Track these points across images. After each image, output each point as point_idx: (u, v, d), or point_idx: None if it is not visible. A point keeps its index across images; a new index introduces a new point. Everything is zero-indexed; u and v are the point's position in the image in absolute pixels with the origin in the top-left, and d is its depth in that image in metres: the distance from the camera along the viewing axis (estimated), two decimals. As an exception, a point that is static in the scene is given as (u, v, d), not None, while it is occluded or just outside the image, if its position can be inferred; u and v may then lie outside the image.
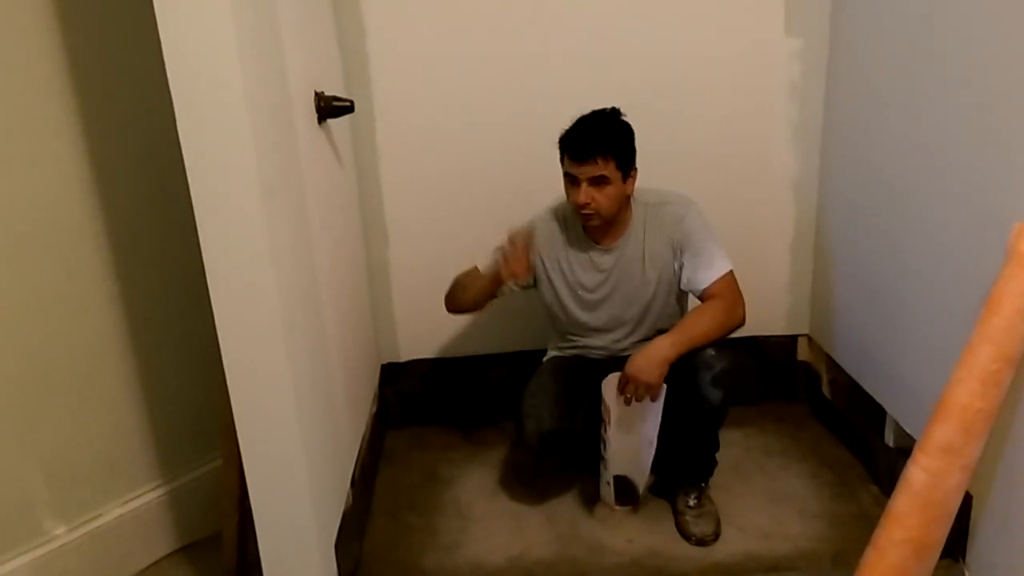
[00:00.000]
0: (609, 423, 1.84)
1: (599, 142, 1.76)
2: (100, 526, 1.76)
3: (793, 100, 2.23)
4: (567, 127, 1.82)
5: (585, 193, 1.77)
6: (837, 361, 2.26)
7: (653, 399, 1.75)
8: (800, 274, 2.40)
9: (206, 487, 1.91)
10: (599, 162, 1.75)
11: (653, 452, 1.83)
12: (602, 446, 1.91)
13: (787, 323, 2.45)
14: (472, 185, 2.26)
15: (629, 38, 2.15)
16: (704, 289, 1.85)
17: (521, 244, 1.81)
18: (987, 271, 1.39)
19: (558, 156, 1.86)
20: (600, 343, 2.02)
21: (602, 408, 1.85)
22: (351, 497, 1.79)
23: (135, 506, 1.83)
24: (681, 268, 1.88)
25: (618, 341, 2.00)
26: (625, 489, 1.95)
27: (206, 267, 1.27)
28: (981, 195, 1.52)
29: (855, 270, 2.13)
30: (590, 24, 2.14)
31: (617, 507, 1.96)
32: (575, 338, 2.05)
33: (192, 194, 1.23)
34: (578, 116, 1.82)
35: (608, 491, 1.95)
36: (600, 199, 1.78)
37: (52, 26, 1.56)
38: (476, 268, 1.98)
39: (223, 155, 1.22)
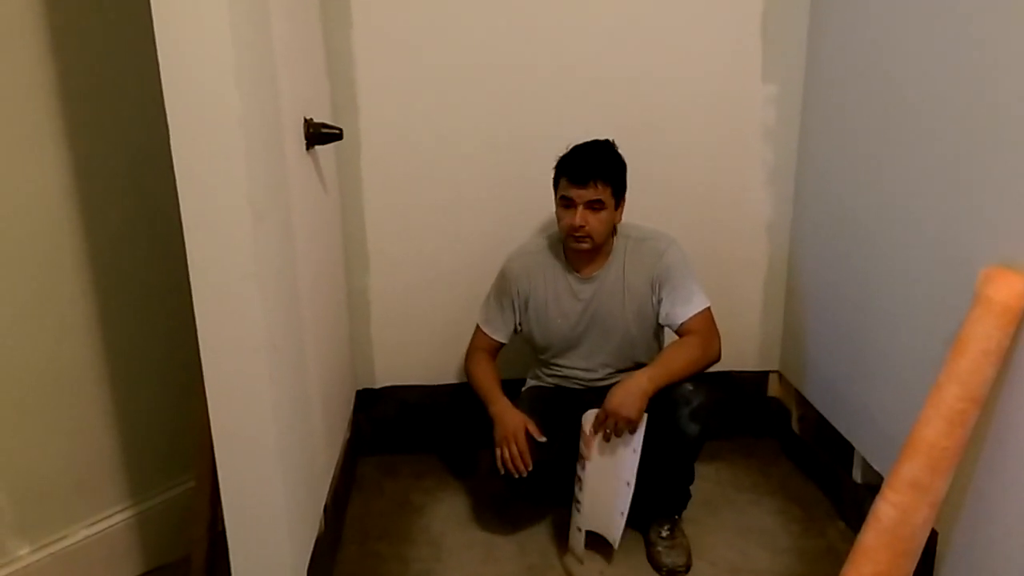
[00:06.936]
0: (588, 458, 1.79)
1: (599, 167, 1.83)
2: (65, 547, 1.72)
3: (768, 143, 2.30)
4: (564, 152, 1.88)
5: (581, 216, 1.83)
6: (807, 398, 2.30)
7: (632, 431, 1.77)
8: (772, 311, 2.45)
9: (175, 510, 1.88)
10: (598, 186, 1.81)
11: (630, 496, 1.75)
12: (577, 486, 1.83)
13: (758, 359, 2.49)
14: (454, 214, 2.28)
15: (612, 81, 2.20)
16: (681, 324, 1.88)
17: (524, 447, 1.85)
18: (954, 313, 1.44)
19: (551, 183, 1.91)
20: (578, 374, 2.04)
21: (581, 442, 1.81)
22: (323, 524, 1.78)
23: (102, 528, 1.79)
24: (660, 303, 1.92)
25: (595, 371, 2.03)
26: (597, 540, 1.90)
27: (192, 287, 1.27)
28: (949, 240, 1.57)
29: (826, 309, 2.18)
30: (574, 62, 2.19)
31: (584, 560, 1.86)
32: (555, 368, 2.07)
33: (183, 214, 1.23)
34: (573, 144, 1.89)
35: (578, 539, 1.83)
36: (594, 223, 1.83)
37: (42, 43, 1.55)
38: (491, 377, 2.03)
39: (216, 177, 1.22)
